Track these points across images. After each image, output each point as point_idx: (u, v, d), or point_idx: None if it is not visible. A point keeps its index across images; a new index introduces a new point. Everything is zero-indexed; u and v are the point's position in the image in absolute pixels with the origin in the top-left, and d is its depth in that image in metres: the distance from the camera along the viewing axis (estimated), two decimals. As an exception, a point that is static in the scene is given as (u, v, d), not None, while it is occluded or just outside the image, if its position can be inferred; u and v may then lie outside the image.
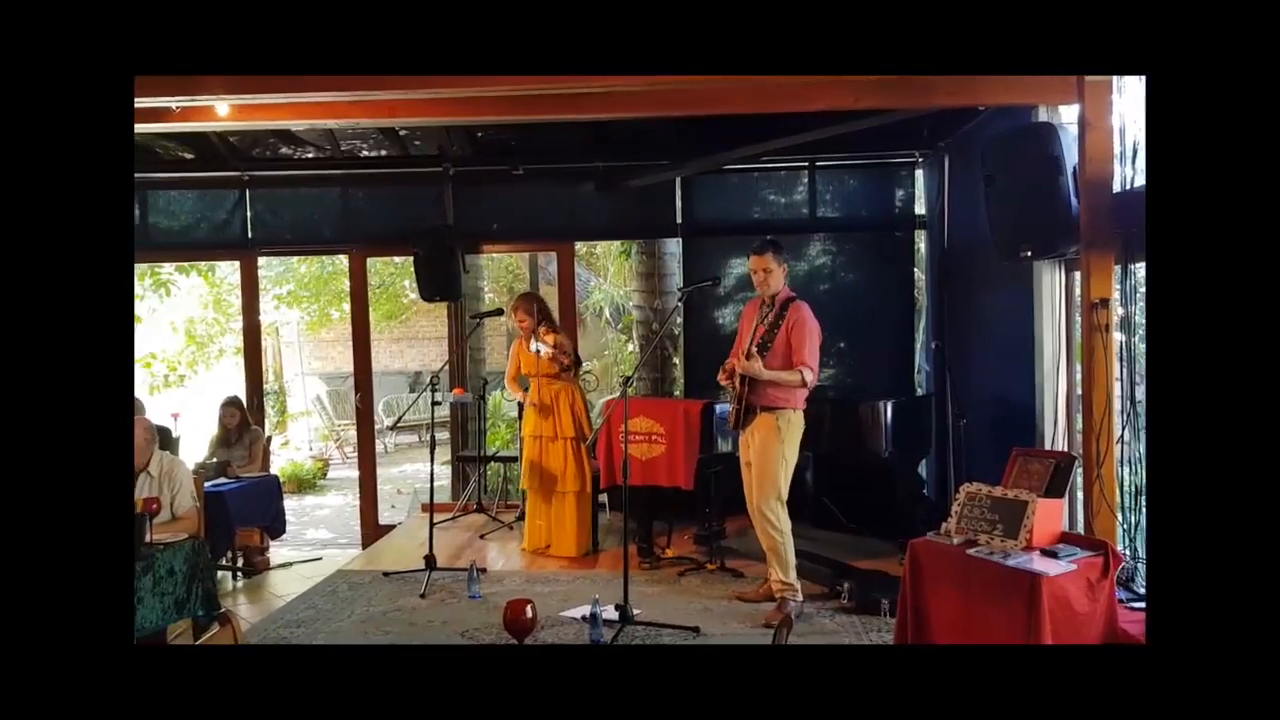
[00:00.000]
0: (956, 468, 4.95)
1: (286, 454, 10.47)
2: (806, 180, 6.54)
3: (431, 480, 5.05)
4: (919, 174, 6.48)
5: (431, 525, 4.94)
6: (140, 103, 3.73)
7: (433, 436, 4.91)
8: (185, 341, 9.90)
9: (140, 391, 9.21)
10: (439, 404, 4.83)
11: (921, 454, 5.83)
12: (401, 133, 6.45)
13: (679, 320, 6.83)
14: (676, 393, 6.96)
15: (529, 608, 2.31)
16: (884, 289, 6.48)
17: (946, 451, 5.55)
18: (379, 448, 11.00)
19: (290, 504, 8.59)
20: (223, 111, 3.97)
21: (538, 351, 5.15)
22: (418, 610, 4.41)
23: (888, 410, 5.16)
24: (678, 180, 6.51)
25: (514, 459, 6.17)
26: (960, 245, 5.90)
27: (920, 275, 6.86)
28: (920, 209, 6.48)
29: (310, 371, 12.39)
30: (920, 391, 6.42)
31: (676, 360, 7.17)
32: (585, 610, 4.02)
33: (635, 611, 4.13)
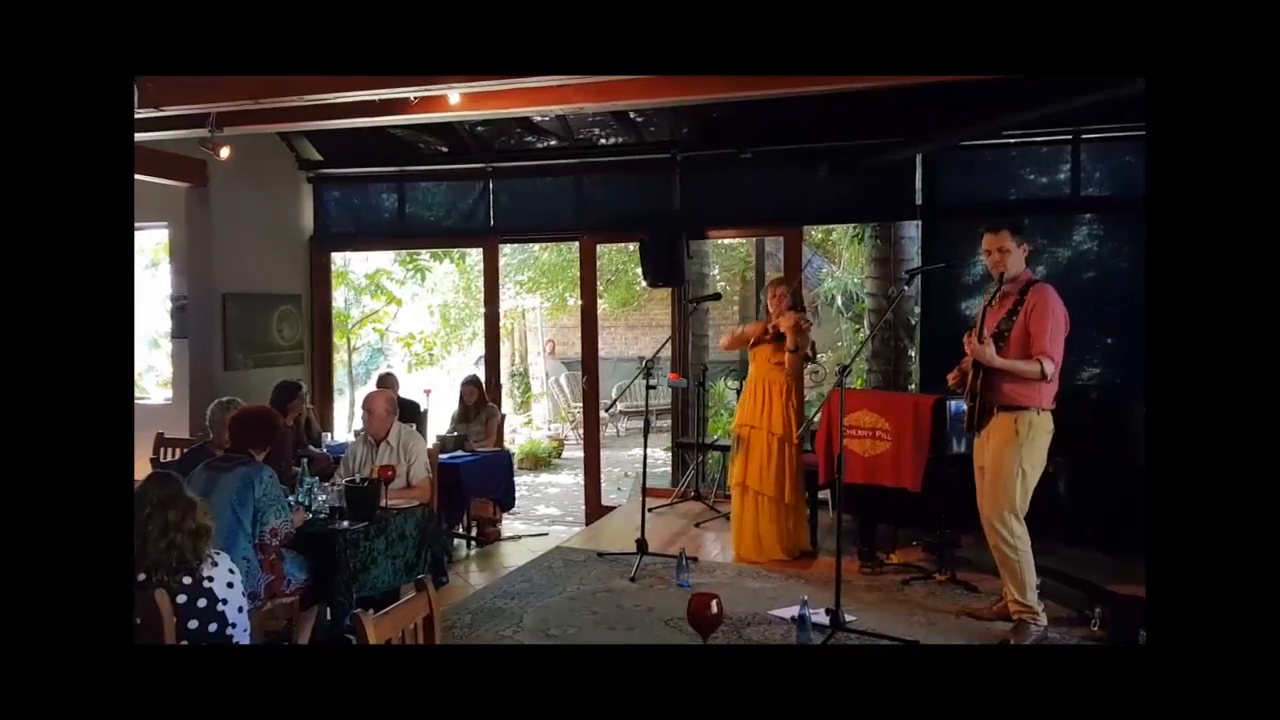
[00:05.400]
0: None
1: (527, 432, 11.05)
2: (1070, 155, 5.81)
3: (644, 465, 5.03)
4: (1211, 143, 5.55)
5: (644, 510, 4.92)
6: (380, 94, 3.99)
7: (646, 421, 4.90)
8: (440, 324, 10.71)
9: (399, 368, 10.11)
10: (654, 388, 4.79)
11: (1203, 467, 4.99)
12: (638, 119, 6.49)
13: (916, 309, 6.36)
14: (911, 387, 6.49)
15: (714, 603, 2.17)
16: (1162, 277, 5.61)
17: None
18: (611, 431, 11.35)
19: (526, 480, 9.08)
20: (454, 100, 4.15)
21: (772, 330, 4.88)
22: (626, 593, 4.41)
23: (1160, 414, 4.44)
24: (918, 158, 6.04)
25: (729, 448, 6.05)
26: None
27: (1209, 261, 5.87)
28: (1212, 183, 5.55)
29: (554, 368, 12.97)
30: (1205, 395, 5.51)
31: (912, 352, 6.68)
32: (794, 611, 3.81)
33: (849, 618, 3.86)
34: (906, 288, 5.06)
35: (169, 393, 6.96)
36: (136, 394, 7.65)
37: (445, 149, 7.08)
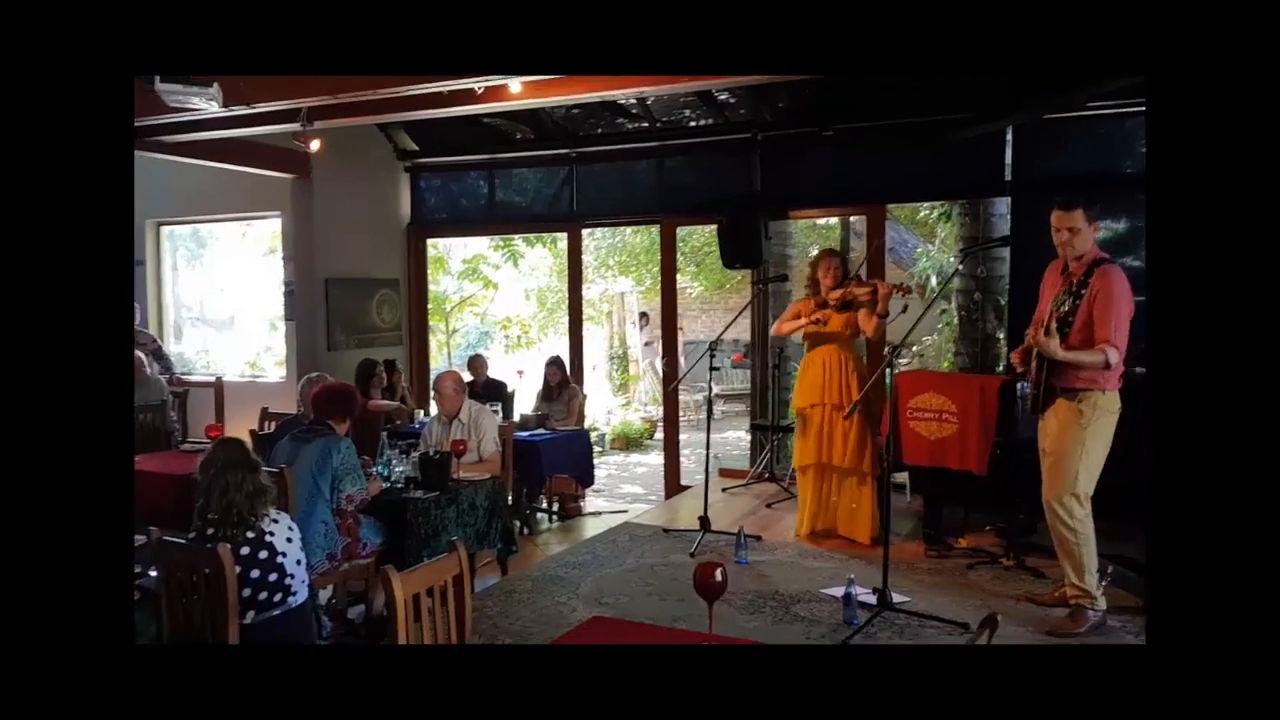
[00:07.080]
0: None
1: (624, 414, 11.25)
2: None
3: (707, 445, 5.11)
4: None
5: (706, 489, 5.01)
6: (448, 85, 4.19)
7: (709, 402, 4.98)
8: (537, 307, 11.01)
9: (496, 350, 10.47)
10: (716, 369, 4.85)
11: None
12: (730, 100, 6.47)
13: (1006, 289, 6.14)
14: (999, 369, 6.30)
15: (719, 571, 2.24)
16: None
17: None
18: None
19: (616, 459, 9.30)
20: (515, 89, 4.30)
21: (845, 303, 4.79)
22: (684, 568, 4.51)
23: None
24: (1008, 131, 5.82)
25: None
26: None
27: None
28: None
29: (647, 338, 13.12)
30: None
31: (1000, 335, 6.47)
32: (843, 589, 3.82)
33: (900, 599, 3.84)
34: (960, 265, 4.90)
35: (283, 371, 7.49)
36: (254, 373, 8.27)
37: (533, 135, 7.29)
